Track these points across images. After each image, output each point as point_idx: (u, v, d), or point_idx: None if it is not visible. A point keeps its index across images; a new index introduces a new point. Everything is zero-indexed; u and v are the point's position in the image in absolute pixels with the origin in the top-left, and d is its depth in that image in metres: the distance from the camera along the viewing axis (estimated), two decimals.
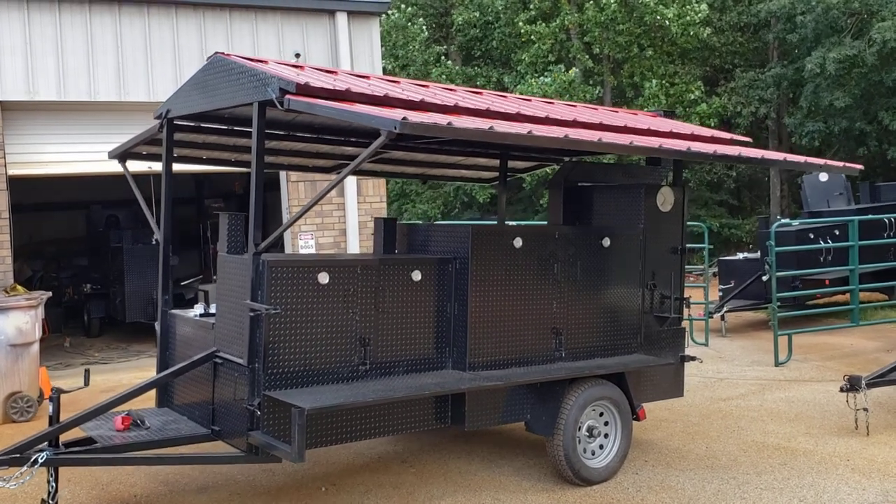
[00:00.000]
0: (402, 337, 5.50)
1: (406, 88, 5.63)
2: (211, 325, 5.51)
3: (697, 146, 5.69)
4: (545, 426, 5.92)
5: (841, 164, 6.46)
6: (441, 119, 4.25)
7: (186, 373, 5.59)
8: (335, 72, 5.68)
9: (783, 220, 15.49)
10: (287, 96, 4.65)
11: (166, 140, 6.11)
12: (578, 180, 7.13)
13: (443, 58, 25.83)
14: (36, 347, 8.44)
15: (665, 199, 6.71)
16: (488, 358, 5.72)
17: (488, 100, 5.90)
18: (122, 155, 6.85)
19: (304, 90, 4.62)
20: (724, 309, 12.71)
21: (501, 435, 7.25)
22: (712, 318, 12.39)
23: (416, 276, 5.56)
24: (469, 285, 5.62)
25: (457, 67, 25.48)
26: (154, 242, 12.99)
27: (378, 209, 12.14)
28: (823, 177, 15.68)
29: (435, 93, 5.66)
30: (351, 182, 11.70)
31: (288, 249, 11.83)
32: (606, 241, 6.36)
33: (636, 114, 7.64)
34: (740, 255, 14.32)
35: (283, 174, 11.71)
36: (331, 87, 4.74)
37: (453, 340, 5.72)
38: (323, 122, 6.43)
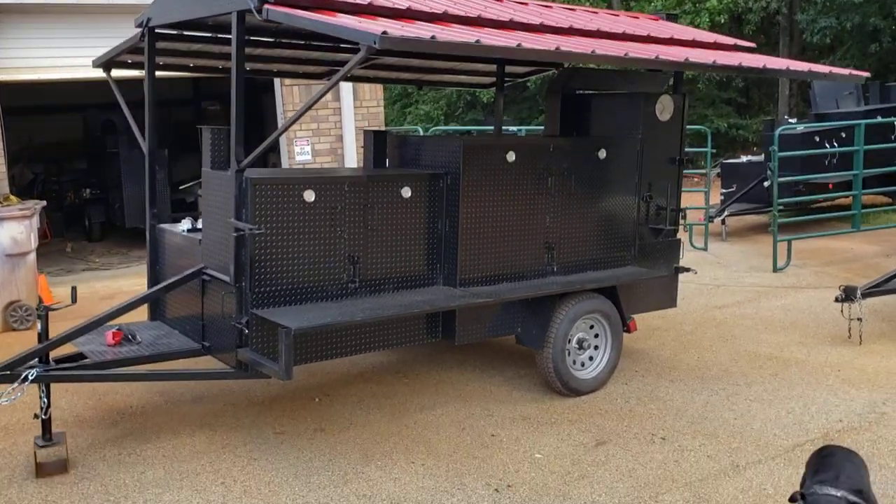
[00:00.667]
0: (392, 254, 5.45)
1: None
2: (198, 241, 5.46)
3: (696, 55, 5.48)
4: (535, 339, 5.95)
5: (846, 71, 6.24)
6: (425, 32, 4.07)
7: (176, 288, 5.60)
8: None
9: (787, 124, 15.20)
10: (266, 6, 4.45)
11: (148, 49, 5.92)
12: (576, 88, 6.94)
13: None
14: (32, 257, 8.46)
15: (664, 107, 6.53)
16: (479, 274, 5.69)
17: (481, 4, 5.66)
18: (107, 64, 6.65)
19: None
20: (725, 213, 12.62)
21: (494, 346, 7.31)
22: (713, 222, 12.31)
23: (406, 192, 5.47)
24: (460, 201, 5.53)
25: None
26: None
27: (375, 114, 11.93)
28: None
29: None
30: (347, 86, 11.45)
31: (284, 156, 11.69)
32: (602, 153, 6.22)
33: (637, 17, 7.35)
34: (744, 158, 14.12)
35: (277, 80, 11.44)
36: None
37: (444, 257, 5.68)
38: (311, 30, 6.21)
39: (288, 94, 11.36)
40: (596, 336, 6.25)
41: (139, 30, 5.89)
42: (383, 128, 12.23)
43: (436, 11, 4.91)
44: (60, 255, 13.14)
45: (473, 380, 6.52)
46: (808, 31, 21.14)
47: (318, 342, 5.09)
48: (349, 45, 6.79)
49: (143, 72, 6.06)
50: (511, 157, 5.73)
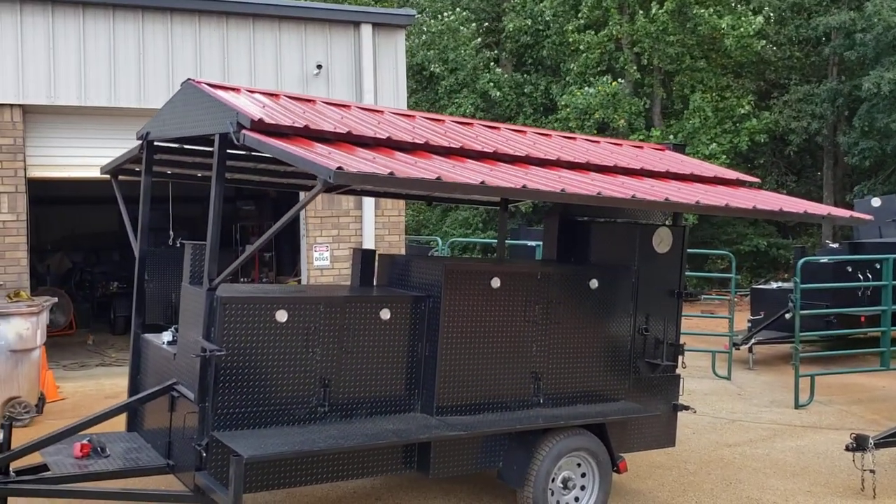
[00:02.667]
0: (367, 378, 5.32)
1: (384, 121, 5.44)
2: (173, 356, 5.40)
3: (708, 199, 5.31)
4: (516, 476, 5.68)
5: (847, 213, 6.05)
6: (383, 168, 4.05)
7: (149, 401, 5.52)
8: (313, 101, 5.52)
9: (829, 248, 14.89)
10: (243, 131, 4.50)
11: (145, 161, 6.04)
12: (576, 214, 6.85)
13: (492, 63, 25.58)
14: (37, 353, 8.50)
15: (662, 239, 6.40)
16: (458, 402, 5.51)
17: (473, 133, 5.67)
18: (114, 171, 6.81)
19: (259, 126, 4.47)
20: (752, 341, 12.23)
21: (484, 476, 7.00)
22: (738, 349, 11.92)
23: (385, 314, 5.37)
24: (440, 325, 5.41)
25: (505, 75, 25.18)
26: (178, 245, 13.11)
27: (396, 222, 12.00)
28: (876, 202, 15.04)
29: (413, 127, 5.46)
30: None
31: (303, 261, 11.77)
32: (594, 283, 6.08)
33: (641, 147, 7.31)
34: (774, 285, 13.79)
35: None
36: (288, 124, 4.58)
37: (423, 383, 5.52)
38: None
39: (311, 202, 11.49)
40: (583, 475, 5.94)
41: (140, 141, 6.03)
42: (403, 236, 12.28)
43: (417, 142, 4.91)
44: (80, 347, 13.27)
45: None
46: (850, 153, 20.99)
47: (278, 469, 4.92)
48: None
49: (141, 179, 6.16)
50: (496, 283, 5.62)
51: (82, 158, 10.51)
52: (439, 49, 25.17)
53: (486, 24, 28.01)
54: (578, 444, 5.82)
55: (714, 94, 22.24)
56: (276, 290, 5.48)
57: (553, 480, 5.75)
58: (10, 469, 5.01)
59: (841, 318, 12.00)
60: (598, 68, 22.93)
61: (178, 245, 13.53)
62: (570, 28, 23.02)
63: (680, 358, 6.54)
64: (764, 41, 21.84)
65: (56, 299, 9.23)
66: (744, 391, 10.71)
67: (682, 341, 6.60)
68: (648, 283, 6.34)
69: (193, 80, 5.23)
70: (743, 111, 21.81)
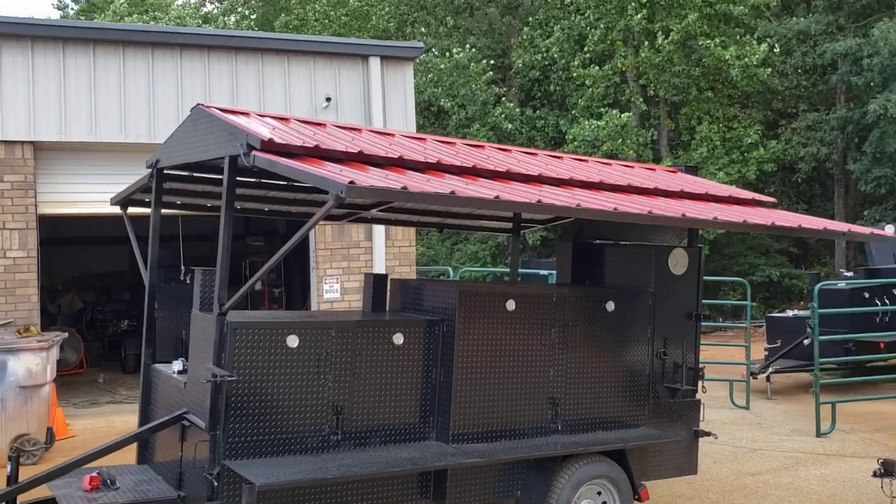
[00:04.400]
0: (381, 405, 5.20)
1: (396, 142, 5.40)
2: (183, 384, 5.31)
3: (725, 216, 5.24)
4: None
5: (867, 230, 5.95)
6: (396, 183, 3.99)
7: (160, 432, 5.42)
8: (323, 125, 5.49)
9: (843, 276, 14.72)
10: (254, 152, 4.46)
11: (155, 189, 6.00)
12: (590, 237, 6.77)
13: (502, 99, 25.71)
14: (47, 389, 8.41)
15: (678, 261, 6.29)
16: (474, 429, 5.38)
17: (485, 155, 5.63)
18: (123, 202, 6.78)
19: (270, 146, 4.42)
20: (770, 370, 12.03)
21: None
22: (755, 378, 11.72)
23: (398, 339, 5.27)
24: (455, 350, 5.30)
25: (517, 109, 25.30)
26: (188, 281, 13.08)
27: (407, 253, 11.94)
28: (890, 229, 14.91)
29: (425, 148, 5.41)
30: (379, 226, 11.52)
31: (313, 293, 11.69)
32: (610, 305, 5.97)
33: (653, 169, 7.24)
34: (790, 313, 13.61)
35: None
36: (298, 144, 4.53)
37: (437, 409, 5.40)
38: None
39: (321, 233, 11.47)
40: (603, 503, 5.78)
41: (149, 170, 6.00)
42: (414, 267, 12.20)
43: (429, 161, 4.86)
44: (91, 386, 13.17)
45: None
46: (863, 180, 20.87)
47: (291, 499, 4.78)
48: None
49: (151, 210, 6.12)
50: (511, 305, 5.52)
51: (93, 195, 10.48)
52: (447, 86, 25.33)
53: (493, 61, 28.24)
54: (598, 472, 5.67)
55: (721, 125, 22.25)
56: (287, 315, 5.39)
57: None
58: (18, 502, 4.89)
59: (859, 344, 11.82)
60: (604, 101, 23.00)
61: (189, 281, 13.50)
62: (576, 63, 23.14)
63: (700, 382, 6.40)
64: (770, 69, 21.88)
65: (66, 335, 9.17)
66: (763, 420, 10.50)
67: (700, 365, 6.45)
68: (665, 306, 6.22)
69: (203, 105, 5.21)
70: (750, 140, 21.78)
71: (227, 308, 4.77)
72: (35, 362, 8.19)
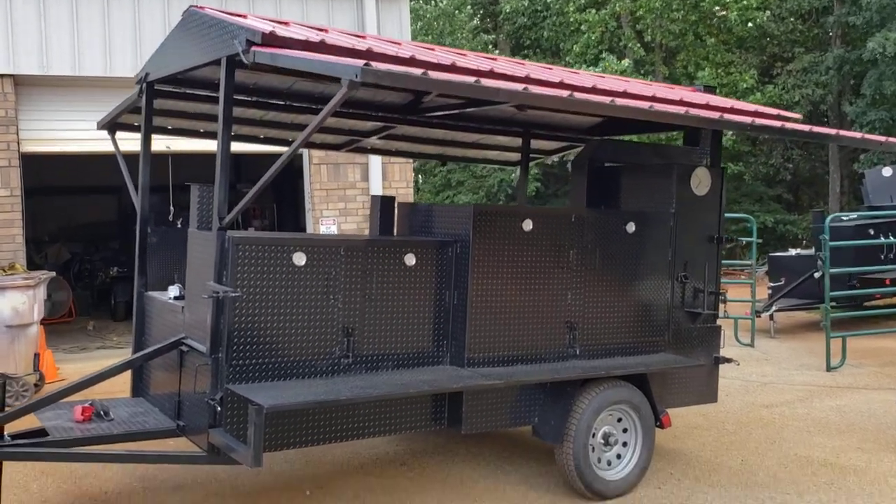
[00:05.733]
0: (393, 328, 4.90)
1: (405, 47, 5.02)
2: (181, 309, 4.98)
3: (732, 115, 4.95)
4: (554, 432, 5.27)
5: None
6: (416, 70, 3.64)
7: (155, 359, 5.13)
8: (325, 30, 5.10)
9: (840, 214, 14.50)
10: (253, 48, 4.08)
11: (145, 107, 5.62)
12: (605, 160, 6.44)
13: (490, 47, 25.16)
14: (34, 329, 8.08)
15: (700, 181, 5.99)
16: (490, 353, 5.09)
17: (500, 64, 5.26)
18: (111, 126, 6.39)
19: (271, 40, 4.04)
20: (773, 308, 11.83)
21: (513, 437, 6.61)
22: (759, 317, 11.52)
23: (410, 259, 4.96)
24: (469, 272, 4.99)
25: (505, 56, 24.77)
26: (178, 226, 12.70)
27: (405, 195, 11.57)
28: (887, 171, 14.66)
29: (437, 53, 5.04)
30: (376, 166, 11.17)
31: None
32: (631, 227, 5.67)
33: (673, 87, 6.90)
34: (793, 252, 13.39)
35: (305, 158, 11.23)
36: (302, 39, 4.15)
37: (451, 333, 5.11)
38: (324, 92, 5.88)
39: (316, 173, 11.10)
40: (624, 431, 5.54)
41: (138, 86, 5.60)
42: None
43: (443, 63, 4.49)
44: (81, 333, 12.83)
45: (486, 476, 5.82)
46: (858, 122, 20.57)
47: (301, 424, 4.50)
48: (366, 112, 6.46)
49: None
50: (528, 225, 5.20)
51: (78, 132, 10.02)
52: (436, 34, 24.72)
53: (482, 8, 27.58)
54: (619, 397, 5.41)
55: (718, 70, 21.83)
56: (292, 234, 5.04)
57: (594, 436, 5.35)
58: (5, 433, 4.59)
59: (863, 281, 11.63)
60: (599, 48, 22.51)
61: (179, 224, 13.11)
62: (571, 8, 22.58)
63: (721, 307, 6.13)
64: (767, 12, 21.42)
65: (53, 273, 8.80)
66: (770, 357, 10.31)
67: (724, 289, 6.19)
68: (687, 228, 5.93)
69: (196, 6, 4.80)
70: (746, 86, 21.39)
71: (227, 222, 4.43)
72: (21, 301, 7.84)
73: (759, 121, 4.77)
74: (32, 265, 15.55)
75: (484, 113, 6.62)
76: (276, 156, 10.81)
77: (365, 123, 6.84)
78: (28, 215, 17.02)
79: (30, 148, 9.96)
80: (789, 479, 5.81)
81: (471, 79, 3.72)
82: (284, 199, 16.13)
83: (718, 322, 6.18)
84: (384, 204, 5.77)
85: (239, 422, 4.38)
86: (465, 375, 4.86)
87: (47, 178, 14.73)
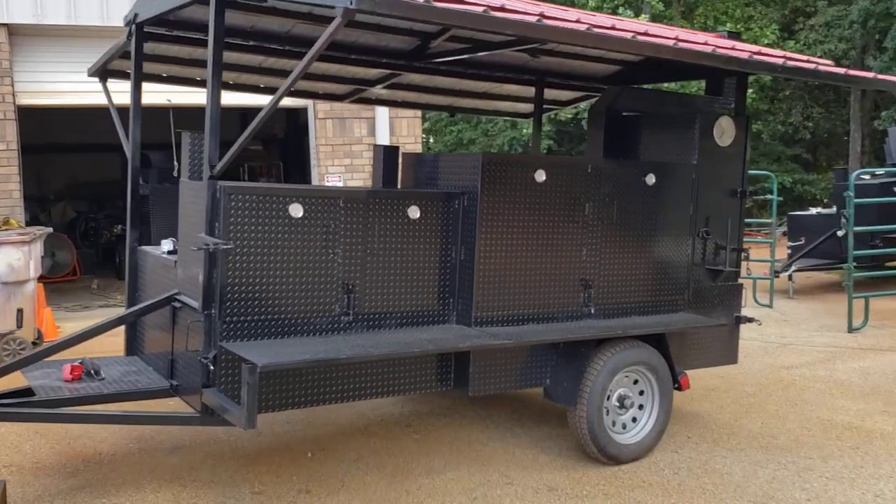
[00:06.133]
0: (396, 284, 4.63)
1: None
2: (174, 264, 4.72)
3: (762, 56, 4.59)
4: (566, 394, 5.01)
5: None
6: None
7: (148, 316, 4.89)
8: None
9: (864, 170, 14.08)
10: None
11: (135, 52, 5.30)
12: (623, 109, 6.10)
13: None
14: (31, 286, 7.85)
15: (724, 131, 5.64)
16: (499, 312, 4.82)
17: (516, 3, 4.89)
18: (102, 73, 6.07)
19: None
20: (793, 268, 11.51)
21: (524, 399, 6.38)
22: (778, 277, 11.21)
23: (414, 212, 4.66)
24: (477, 225, 4.70)
25: None
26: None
27: (412, 151, 11.23)
28: None
29: None
30: (383, 120, 10.82)
31: None
32: (651, 179, 5.34)
33: (695, 33, 6.52)
34: (813, 211, 13.01)
35: (310, 112, 10.89)
36: None
37: (458, 290, 4.83)
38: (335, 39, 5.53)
39: (321, 128, 10.77)
40: (641, 393, 5.27)
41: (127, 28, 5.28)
42: None
43: None
44: (85, 291, 12.65)
45: (495, 439, 5.59)
46: None
47: (298, 384, 4.25)
48: (374, 59, 6.13)
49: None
50: (541, 176, 4.89)
51: (75, 84, 9.72)
52: None
53: None
54: (636, 358, 5.14)
55: (738, 25, 21.23)
56: (288, 185, 4.75)
57: (608, 398, 5.09)
58: None
59: (886, 240, 11.27)
60: (615, 2, 21.88)
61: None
62: None
63: (744, 265, 5.82)
64: None
65: (50, 230, 8.56)
66: (789, 317, 10.01)
67: (748, 247, 5.88)
68: (709, 181, 5.61)
69: None
70: (767, 41, 20.79)
71: (219, 170, 4.13)
72: (16, 257, 7.60)
73: (791, 63, 4.41)
74: (37, 223, 15.39)
75: (494, 59, 6.28)
76: (286, 110, 10.51)
77: (369, 71, 6.51)
78: (33, 173, 16.80)
79: (26, 101, 9.67)
80: (812, 442, 5.55)
81: (479, 8, 3.40)
82: (291, 156, 15.83)
83: (740, 280, 5.89)
84: (387, 154, 5.46)
85: (233, 381, 4.14)
86: (473, 335, 4.59)
87: (52, 135, 14.47)
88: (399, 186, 5.52)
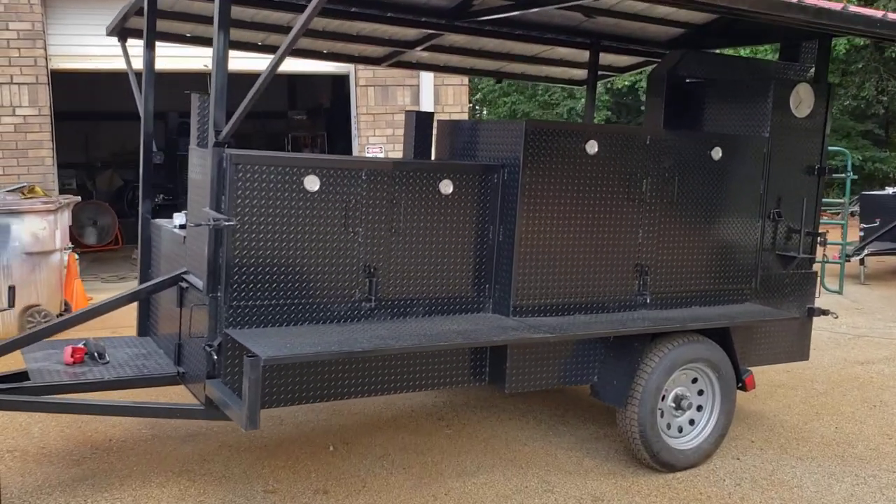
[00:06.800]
0: (425, 268, 4.13)
1: None
2: (183, 239, 4.29)
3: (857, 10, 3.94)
4: (616, 393, 4.48)
5: None
6: None
7: (161, 295, 4.48)
8: None
9: None
10: None
11: (148, 7, 4.86)
12: (687, 75, 5.47)
13: None
14: (57, 257, 7.56)
15: (802, 99, 4.99)
16: (541, 300, 4.29)
17: None
18: (120, 32, 5.66)
19: None
20: (865, 251, 10.70)
21: (568, 391, 5.85)
22: (849, 261, 10.43)
23: (447, 187, 4.15)
24: (519, 202, 4.16)
25: None
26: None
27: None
28: None
29: None
30: (427, 87, 10.28)
31: None
32: (717, 153, 4.74)
33: None
34: (889, 190, 12.11)
35: (352, 79, 10.40)
36: None
37: (495, 275, 4.32)
38: None
39: (362, 95, 10.28)
40: (699, 393, 4.71)
41: None
42: None
43: None
44: (125, 261, 12.44)
45: (536, 438, 5.09)
46: None
47: (309, 378, 3.80)
48: (415, 19, 5.61)
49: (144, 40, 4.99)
50: (592, 147, 4.32)
51: (110, 48, 9.33)
52: None
53: None
54: (696, 354, 4.57)
55: None
56: (304, 154, 4.26)
57: (663, 399, 4.54)
58: None
59: None
60: None
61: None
62: None
63: (820, 250, 5.20)
64: None
65: (78, 198, 8.26)
66: (862, 305, 9.27)
67: (823, 230, 5.25)
68: (783, 156, 4.98)
69: None
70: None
71: (225, 135, 3.67)
72: (41, 226, 7.31)
73: (892, 17, 3.77)
74: (84, 192, 15.29)
75: (545, 18, 5.70)
76: (332, 77, 9.95)
77: (407, 31, 5.98)
78: (80, 141, 16.67)
79: (59, 65, 9.37)
80: (895, 453, 4.93)
81: None
82: (336, 126, 15.42)
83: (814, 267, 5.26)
84: (420, 121, 4.94)
85: (238, 373, 3.70)
86: (510, 326, 4.08)
87: (100, 102, 14.28)
88: (434, 156, 5.01)
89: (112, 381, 4.18)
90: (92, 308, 4.32)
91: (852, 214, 12.58)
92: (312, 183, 3.79)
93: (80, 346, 4.43)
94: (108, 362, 4.39)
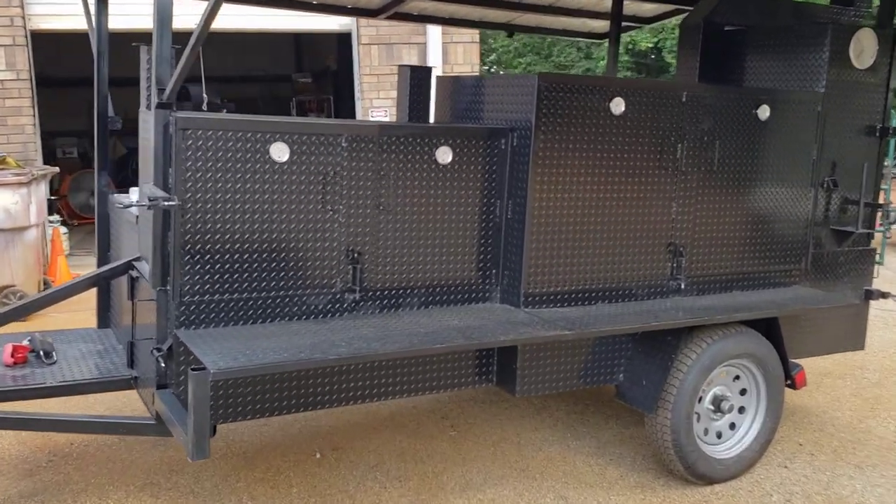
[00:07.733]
0: (419, 252, 3.49)
1: None
2: (136, 219, 3.66)
3: None
4: (645, 396, 3.83)
5: None
6: None
7: (117, 287, 3.86)
8: None
9: None
10: None
11: None
12: (725, 22, 4.74)
13: None
14: (32, 233, 6.99)
15: (864, 48, 4.27)
16: (557, 288, 3.64)
17: None
18: None
19: None
20: None
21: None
22: (891, 229, 9.65)
23: (445, 155, 3.48)
24: (530, 172, 3.49)
25: None
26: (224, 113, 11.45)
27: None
28: None
29: None
30: (435, 45, 9.55)
31: None
32: (764, 111, 4.03)
33: None
34: None
35: (354, 37, 9.68)
36: None
37: (503, 259, 3.66)
38: None
39: (366, 55, 9.56)
40: (742, 392, 4.06)
41: None
42: None
43: None
44: None
45: (551, 441, 4.46)
46: None
47: (279, 386, 3.18)
48: None
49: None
50: (619, 106, 3.63)
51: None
52: None
53: None
54: (740, 349, 3.91)
55: None
56: (270, 118, 3.59)
57: (700, 400, 3.89)
58: None
59: None
60: None
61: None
62: None
63: (884, 223, 4.50)
64: None
65: (56, 169, 7.65)
66: None
67: (885, 201, 4.54)
68: (840, 115, 4.27)
69: None
70: None
71: (169, 93, 3.01)
72: (13, 200, 6.72)
73: None
74: (87, 160, 14.71)
75: None
76: (337, 35, 9.12)
77: None
78: (82, 108, 16.11)
79: (39, 25, 8.70)
80: None
81: None
82: (343, 90, 14.70)
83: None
84: (416, 77, 4.26)
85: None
86: (520, 321, 3.43)
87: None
88: (433, 119, 4.33)
89: (57, 387, 3.57)
90: (47, 294, 3.73)
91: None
92: (281, 152, 3.14)
93: (24, 343, 3.83)
94: (55, 362, 3.79)
